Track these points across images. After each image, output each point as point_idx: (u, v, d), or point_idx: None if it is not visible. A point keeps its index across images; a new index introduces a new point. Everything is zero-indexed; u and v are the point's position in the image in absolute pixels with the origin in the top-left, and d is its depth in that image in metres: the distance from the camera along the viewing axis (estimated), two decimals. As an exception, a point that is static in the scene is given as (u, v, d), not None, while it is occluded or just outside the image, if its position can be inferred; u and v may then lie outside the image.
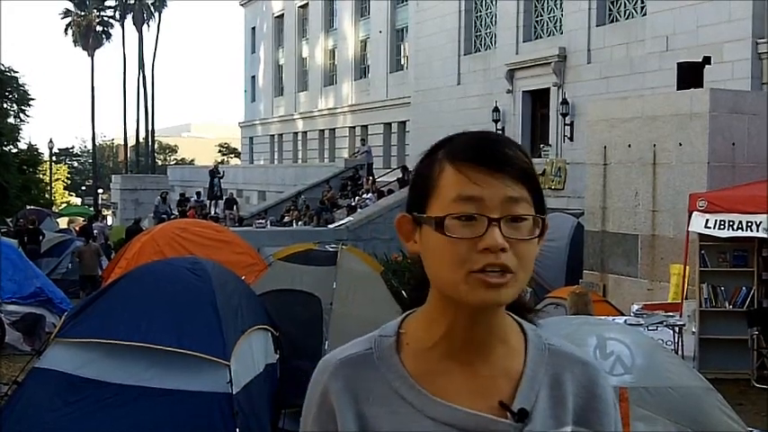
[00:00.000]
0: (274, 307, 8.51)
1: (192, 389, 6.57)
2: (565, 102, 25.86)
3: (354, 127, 42.55)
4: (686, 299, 11.50)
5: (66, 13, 66.79)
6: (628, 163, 13.36)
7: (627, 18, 24.95)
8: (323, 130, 46.59)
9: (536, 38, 28.52)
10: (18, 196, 31.19)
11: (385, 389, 1.38)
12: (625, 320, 9.99)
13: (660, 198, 12.83)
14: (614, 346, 5.03)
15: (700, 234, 11.23)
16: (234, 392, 6.57)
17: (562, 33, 26.97)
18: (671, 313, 11.02)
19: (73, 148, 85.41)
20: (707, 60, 13.88)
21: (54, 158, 55.76)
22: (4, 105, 33.82)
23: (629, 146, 13.27)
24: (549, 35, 27.95)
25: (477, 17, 31.68)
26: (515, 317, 1.43)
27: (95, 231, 24.07)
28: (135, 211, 39.18)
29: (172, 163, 77.83)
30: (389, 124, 39.24)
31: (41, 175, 43.19)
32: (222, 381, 6.57)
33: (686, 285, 11.51)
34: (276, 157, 52.72)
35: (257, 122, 55.71)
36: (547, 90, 27.39)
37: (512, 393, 1.37)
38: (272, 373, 7.77)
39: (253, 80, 57.04)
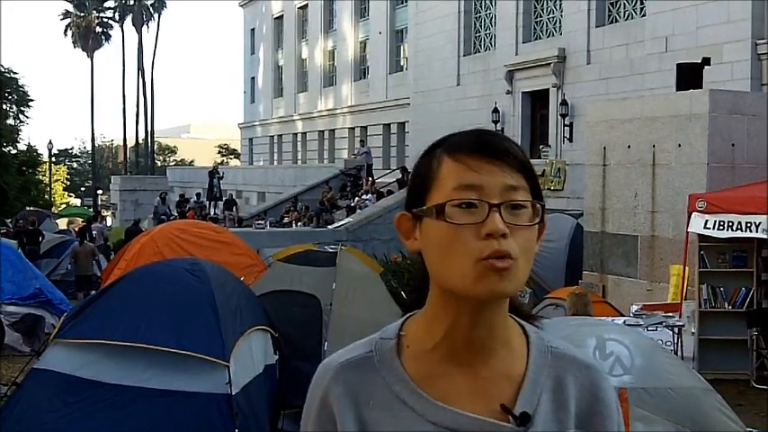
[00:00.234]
0: (274, 308, 8.50)
1: (192, 390, 6.57)
2: (564, 103, 25.87)
3: (354, 128, 42.56)
4: (685, 299, 11.50)
5: (66, 14, 66.83)
6: (627, 164, 13.36)
7: (626, 19, 24.96)
8: (322, 131, 46.61)
9: (535, 39, 28.54)
10: (17, 197, 31.21)
11: (386, 393, 1.37)
12: (624, 321, 9.98)
13: (659, 199, 12.83)
14: (614, 347, 5.03)
15: (699, 235, 11.24)
16: (233, 393, 6.57)
17: (561, 34, 26.98)
18: (670, 314, 11.01)
19: (72, 149, 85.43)
20: (706, 61, 13.88)
21: (53, 159, 55.75)
22: (4, 106, 33.83)
23: (629, 147, 13.27)
24: (548, 36, 27.96)
25: (476, 18, 31.69)
26: (517, 319, 1.43)
27: (94, 232, 24.07)
28: (134, 212, 39.19)
29: (171, 164, 77.83)
30: (389, 125, 39.25)
31: (41, 176, 43.22)
32: (221, 381, 6.57)
33: (685, 286, 11.52)
34: (276, 158, 52.73)
35: (257, 123, 55.73)
36: (546, 91, 27.40)
37: (514, 396, 1.36)
38: (271, 373, 7.76)
39: (252, 81, 57.05)
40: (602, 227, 13.93)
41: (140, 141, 66.53)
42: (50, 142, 49.24)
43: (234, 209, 31.31)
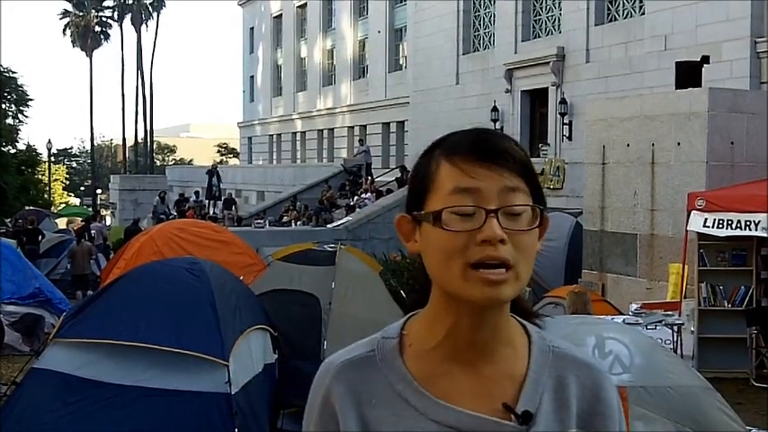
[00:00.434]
0: (273, 307, 8.50)
1: (191, 389, 6.57)
2: (563, 101, 25.87)
3: (353, 127, 42.56)
4: (685, 298, 11.50)
5: (65, 13, 66.79)
6: (626, 162, 13.36)
7: (625, 17, 24.96)
8: (322, 130, 46.60)
9: (534, 37, 28.53)
10: (17, 197, 31.19)
11: (388, 392, 1.37)
12: (624, 320, 9.99)
13: (659, 197, 12.83)
14: (613, 346, 5.03)
15: (698, 233, 11.24)
16: (232, 392, 6.57)
17: (561, 33, 26.98)
18: (670, 312, 11.02)
19: (71, 148, 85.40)
20: (705, 60, 13.88)
21: (53, 159, 55.71)
22: (3, 106, 33.80)
23: (628, 145, 13.27)
24: (547, 35, 27.96)
25: (475, 17, 31.69)
26: (519, 319, 1.43)
27: (93, 232, 24.07)
28: (134, 212, 39.20)
29: (170, 163, 77.81)
30: (388, 124, 39.24)
31: (40, 176, 43.17)
32: (221, 381, 6.57)
33: (685, 284, 11.52)
34: (275, 157, 52.72)
35: (256, 123, 55.72)
36: (545, 90, 27.40)
37: (516, 396, 1.36)
38: (270, 373, 7.76)
39: (251, 80, 57.03)
40: (602, 225, 13.93)
41: (139, 141, 66.53)
42: (49, 142, 49.24)
43: (233, 208, 31.31)
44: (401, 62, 38.98)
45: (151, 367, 6.60)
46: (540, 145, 26.62)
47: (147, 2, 64.48)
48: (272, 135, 53.52)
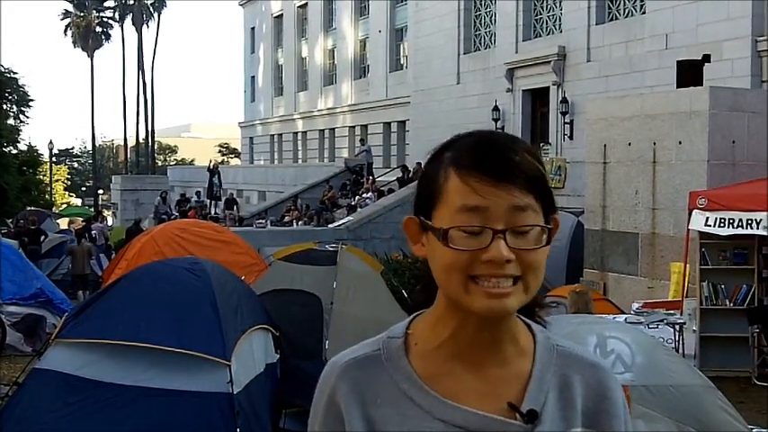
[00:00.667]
0: (274, 307, 8.50)
1: (193, 389, 6.56)
2: (564, 100, 25.86)
3: (354, 126, 42.55)
4: (687, 297, 11.50)
5: (66, 14, 66.81)
6: (627, 161, 13.35)
7: (626, 16, 24.95)
8: (323, 130, 46.61)
9: (535, 37, 28.52)
10: (18, 197, 31.21)
11: (393, 391, 1.37)
12: (625, 319, 9.98)
13: (660, 196, 12.82)
14: (615, 345, 5.03)
15: (700, 232, 11.24)
16: (234, 392, 6.57)
17: (561, 32, 26.97)
18: (671, 311, 11.01)
19: (73, 148, 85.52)
20: (706, 58, 13.88)
21: (54, 159, 55.78)
22: (4, 106, 33.82)
23: (629, 144, 13.27)
24: (548, 34, 27.94)
25: (476, 16, 31.68)
26: (524, 318, 1.42)
27: (94, 232, 24.09)
28: (135, 212, 39.20)
29: (172, 163, 77.85)
30: (389, 124, 39.24)
31: (41, 176, 43.24)
32: (222, 381, 6.57)
33: (686, 283, 11.51)
34: (276, 157, 52.73)
35: (257, 122, 55.73)
36: (546, 89, 27.38)
37: (521, 395, 1.36)
38: (272, 372, 7.76)
39: (252, 80, 57.04)
40: (603, 224, 13.93)
41: (141, 141, 66.53)
42: (51, 142, 49.33)
43: (234, 208, 31.33)
44: (402, 62, 38.97)
45: (152, 367, 6.60)
46: (541, 144, 26.61)
47: (148, 2, 64.49)
48: (273, 135, 53.53)
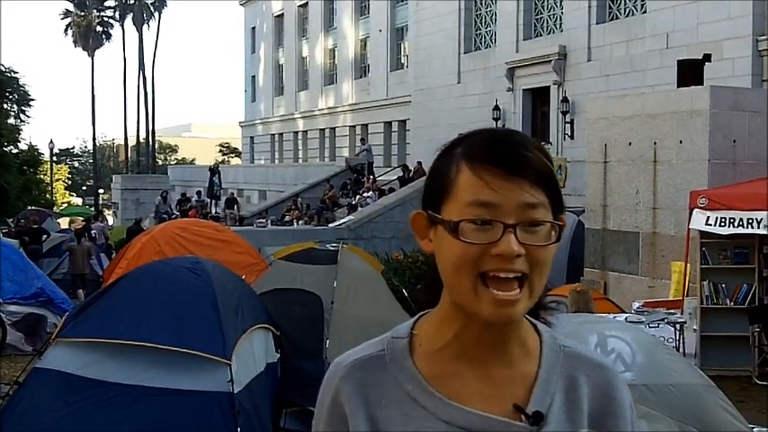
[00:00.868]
0: (275, 306, 8.50)
1: (194, 388, 6.57)
2: (565, 100, 25.86)
3: (355, 126, 42.55)
4: (687, 296, 11.50)
5: (66, 13, 66.81)
6: (628, 161, 13.35)
7: (627, 16, 24.94)
8: (323, 130, 46.61)
9: (536, 36, 28.52)
10: (19, 197, 31.16)
11: (397, 391, 1.36)
12: (626, 318, 9.99)
13: (661, 195, 12.82)
14: (615, 344, 5.03)
15: (700, 231, 11.23)
16: (235, 391, 6.57)
17: (562, 31, 26.97)
18: (672, 311, 11.01)
19: (73, 148, 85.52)
20: (707, 58, 13.86)
21: (54, 159, 55.78)
22: (5, 106, 33.79)
23: (630, 144, 13.26)
24: (549, 33, 27.94)
25: (476, 15, 31.67)
26: (530, 318, 1.41)
27: (93, 232, 24.09)
28: (136, 211, 39.21)
29: (172, 163, 77.86)
30: (389, 123, 39.24)
31: (42, 176, 43.17)
32: (223, 380, 6.57)
33: (687, 283, 11.51)
34: (277, 156, 52.74)
35: (258, 122, 55.73)
36: (547, 88, 27.39)
37: (526, 396, 1.35)
38: (273, 372, 7.77)
39: (253, 80, 57.05)
40: (604, 224, 13.93)
41: (141, 140, 66.54)
42: (51, 141, 49.32)
43: (235, 207, 31.33)
44: (402, 61, 38.97)
45: (153, 366, 6.60)
46: (541, 143, 26.59)
47: (149, 1, 64.49)
48: (273, 134, 53.53)
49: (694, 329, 11.26)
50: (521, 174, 1.29)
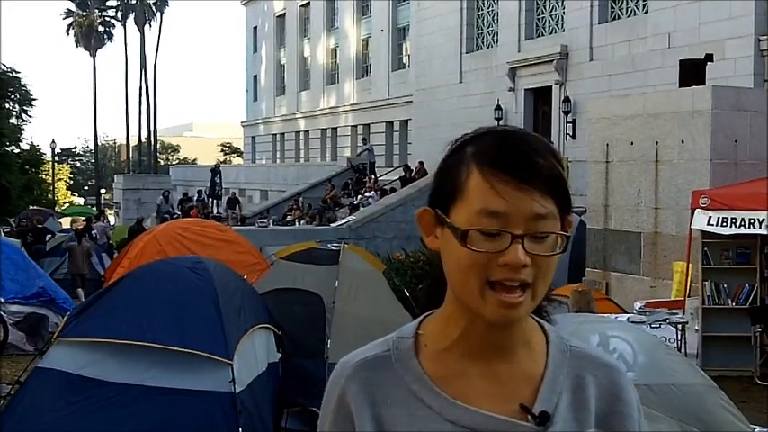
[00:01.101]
0: (276, 306, 8.51)
1: (195, 388, 6.57)
2: (567, 99, 25.84)
3: (356, 126, 42.54)
4: (689, 296, 11.49)
5: (68, 13, 66.85)
6: (630, 161, 13.34)
7: (629, 15, 24.92)
8: (325, 129, 46.60)
9: (538, 36, 28.49)
10: (20, 197, 31.20)
11: (403, 391, 1.36)
12: (627, 318, 9.98)
13: (662, 195, 12.82)
14: (617, 344, 5.02)
15: (702, 231, 11.23)
16: (236, 391, 6.57)
17: (564, 31, 26.94)
18: (674, 311, 11.01)
19: (75, 148, 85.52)
20: (709, 58, 13.85)
21: (56, 159, 55.80)
22: (6, 106, 33.81)
23: (632, 143, 13.26)
24: (550, 33, 27.92)
25: (478, 15, 31.65)
26: (537, 318, 1.41)
27: (94, 232, 24.11)
28: (137, 211, 39.21)
29: (174, 162, 77.89)
30: (391, 123, 39.23)
31: (44, 176, 43.22)
32: (225, 379, 6.57)
33: (689, 283, 11.50)
34: (278, 156, 52.73)
35: (259, 122, 55.73)
36: (549, 88, 27.36)
37: (533, 396, 1.35)
38: (274, 371, 7.76)
39: (255, 79, 57.04)
40: (605, 224, 13.92)
41: (143, 140, 66.58)
42: (53, 141, 49.34)
43: (237, 207, 31.36)
44: (404, 61, 38.95)
45: (154, 366, 6.61)
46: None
47: (151, 1, 64.53)
48: (275, 134, 53.52)
49: (696, 330, 11.25)
50: (531, 183, 1.28)
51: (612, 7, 25.46)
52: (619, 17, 25.22)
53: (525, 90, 28.58)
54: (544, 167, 1.30)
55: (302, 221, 26.99)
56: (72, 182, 77.55)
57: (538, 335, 1.41)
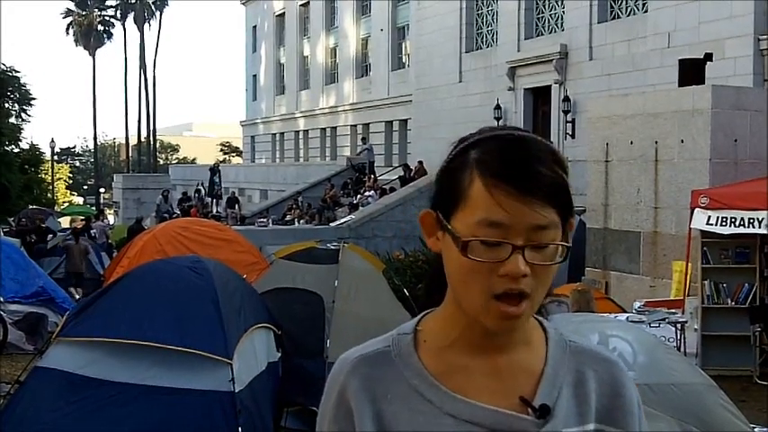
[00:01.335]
0: (276, 305, 8.51)
1: (195, 387, 6.57)
2: (566, 99, 25.83)
3: (356, 125, 42.53)
4: (688, 296, 11.50)
5: (68, 12, 66.84)
6: (630, 160, 13.35)
7: (628, 15, 24.91)
8: (324, 129, 46.59)
9: (537, 35, 28.48)
10: (20, 196, 31.17)
11: (403, 386, 1.37)
12: (627, 317, 9.99)
13: (662, 195, 12.82)
14: (616, 344, 5.02)
15: (702, 231, 11.23)
16: (236, 390, 6.57)
17: (563, 30, 26.94)
18: (673, 310, 11.01)
19: (75, 147, 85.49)
20: (708, 57, 13.85)
21: (56, 158, 55.81)
22: (6, 105, 33.79)
23: (631, 143, 13.26)
24: (550, 32, 27.91)
25: (478, 15, 31.64)
26: (536, 316, 1.41)
27: (93, 231, 24.11)
28: (137, 210, 39.25)
29: (173, 162, 77.88)
30: (391, 122, 39.22)
31: (43, 175, 43.18)
32: (224, 379, 6.57)
33: (688, 282, 11.51)
34: (278, 155, 52.73)
35: (259, 121, 55.71)
36: (548, 87, 27.35)
37: (533, 390, 1.36)
38: (274, 371, 7.77)
39: (254, 79, 57.02)
40: (605, 223, 13.92)
41: (143, 139, 66.57)
42: (53, 141, 49.35)
43: (236, 207, 31.37)
44: (404, 60, 38.94)
45: (154, 365, 6.60)
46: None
47: (150, 0, 64.50)
48: (274, 134, 53.50)
49: (695, 329, 11.26)
50: (533, 193, 1.28)
51: (612, 6, 25.46)
52: (618, 16, 25.21)
53: (525, 89, 28.58)
54: (546, 177, 1.30)
55: (302, 221, 27.00)
56: (71, 181, 77.54)
57: (537, 332, 1.42)
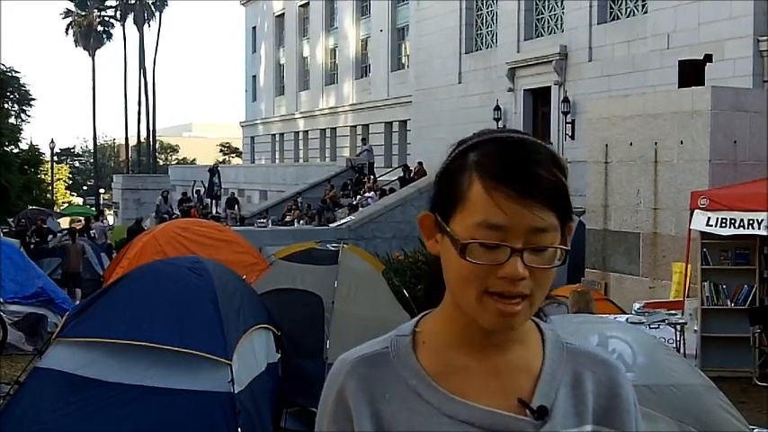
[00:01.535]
0: (276, 306, 8.51)
1: (194, 388, 6.57)
2: (566, 100, 25.84)
3: (355, 126, 42.54)
4: (688, 297, 11.50)
5: (67, 13, 66.88)
6: (629, 161, 13.35)
7: (628, 16, 24.92)
8: (324, 130, 46.60)
9: (537, 36, 28.49)
10: (19, 196, 31.15)
11: (402, 387, 1.37)
12: (627, 319, 9.99)
13: (662, 196, 12.82)
14: (616, 345, 5.02)
15: (701, 232, 11.23)
16: (236, 391, 6.57)
17: (563, 31, 26.94)
18: (673, 311, 11.01)
19: (74, 147, 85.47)
20: (708, 58, 13.86)
21: (55, 158, 55.81)
22: (6, 105, 33.80)
23: (631, 144, 13.26)
24: (550, 33, 27.92)
25: (477, 15, 31.65)
26: (533, 318, 1.42)
27: (92, 231, 24.10)
28: (136, 211, 39.23)
29: (173, 162, 77.87)
30: (390, 123, 39.23)
31: (43, 176, 43.16)
32: (224, 380, 6.57)
33: (688, 283, 11.51)
34: (277, 156, 52.73)
35: (258, 122, 55.72)
36: (548, 88, 27.36)
37: (531, 391, 1.36)
38: (274, 372, 7.77)
39: (254, 79, 57.03)
40: (605, 224, 13.92)
41: (142, 140, 66.60)
42: (52, 141, 49.33)
43: (236, 207, 31.36)
44: (403, 61, 38.95)
45: (154, 366, 6.60)
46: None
47: (150, 1, 64.53)
48: (274, 134, 53.51)
49: (695, 330, 11.26)
50: (533, 197, 1.28)
51: (612, 7, 25.47)
52: (618, 17, 25.22)
53: (524, 90, 28.58)
54: (546, 180, 1.30)
55: (301, 222, 26.99)
56: (71, 182, 77.53)
57: (534, 333, 1.42)
